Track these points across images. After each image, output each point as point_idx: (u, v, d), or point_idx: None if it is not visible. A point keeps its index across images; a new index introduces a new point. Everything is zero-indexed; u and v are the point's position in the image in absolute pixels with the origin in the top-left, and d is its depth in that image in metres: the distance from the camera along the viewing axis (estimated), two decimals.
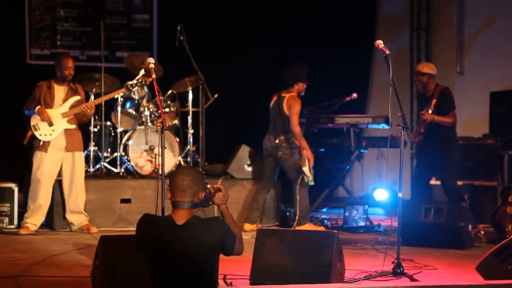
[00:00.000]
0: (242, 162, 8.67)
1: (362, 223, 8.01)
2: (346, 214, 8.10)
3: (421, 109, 7.62)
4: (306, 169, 7.55)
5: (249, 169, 8.66)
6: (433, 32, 10.89)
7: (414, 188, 7.75)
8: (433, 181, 8.35)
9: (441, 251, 6.60)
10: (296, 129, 7.63)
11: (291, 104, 7.69)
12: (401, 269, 5.31)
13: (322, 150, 8.76)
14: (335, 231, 5.01)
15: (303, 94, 7.80)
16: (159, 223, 3.60)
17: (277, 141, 7.76)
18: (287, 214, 8.53)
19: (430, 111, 7.36)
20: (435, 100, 7.40)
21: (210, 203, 3.80)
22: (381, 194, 9.40)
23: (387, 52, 5.51)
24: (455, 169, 7.65)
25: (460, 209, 6.98)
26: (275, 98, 7.87)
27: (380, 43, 5.62)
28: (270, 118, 7.90)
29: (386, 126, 8.55)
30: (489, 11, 10.27)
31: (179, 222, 3.54)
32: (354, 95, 8.47)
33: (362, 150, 8.90)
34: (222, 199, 3.82)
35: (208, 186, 3.74)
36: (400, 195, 5.47)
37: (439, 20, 10.89)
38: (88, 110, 7.54)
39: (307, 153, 7.58)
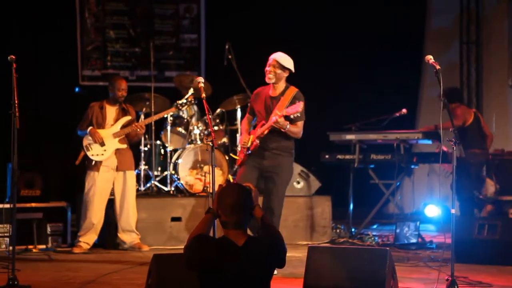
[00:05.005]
0: (292, 179, 8.64)
1: (414, 240, 7.89)
2: (398, 230, 8.00)
3: (258, 109, 6.47)
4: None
5: (299, 186, 8.63)
6: (483, 46, 10.74)
7: None
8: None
9: (496, 268, 6.47)
10: None
11: None
12: (456, 287, 5.22)
13: (371, 166, 8.67)
14: (387, 248, 4.97)
15: None
16: (217, 245, 3.49)
17: None
18: (337, 230, 8.48)
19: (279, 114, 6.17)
20: (285, 104, 6.29)
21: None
22: (432, 210, 9.26)
23: (438, 67, 5.44)
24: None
25: None
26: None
27: (430, 58, 5.55)
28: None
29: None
30: None
31: (238, 243, 3.48)
32: (404, 110, 8.38)
33: (412, 166, 8.78)
34: (258, 200, 3.67)
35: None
36: (453, 211, 5.39)
37: (490, 34, 10.74)
38: (139, 130, 7.63)
39: None
